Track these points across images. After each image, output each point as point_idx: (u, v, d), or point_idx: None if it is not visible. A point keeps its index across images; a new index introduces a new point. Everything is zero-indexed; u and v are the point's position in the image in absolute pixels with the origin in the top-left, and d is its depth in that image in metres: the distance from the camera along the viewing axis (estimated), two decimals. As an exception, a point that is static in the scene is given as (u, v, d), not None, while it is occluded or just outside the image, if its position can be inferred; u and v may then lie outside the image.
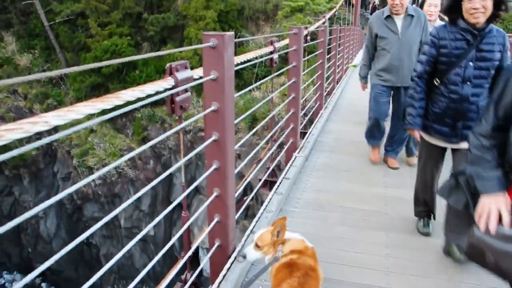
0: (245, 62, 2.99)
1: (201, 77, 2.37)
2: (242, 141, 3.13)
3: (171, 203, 2.53)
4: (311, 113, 6.33)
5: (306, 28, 6.73)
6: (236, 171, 2.71)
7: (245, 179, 3.77)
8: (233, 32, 2.49)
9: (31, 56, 21.39)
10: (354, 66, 13.16)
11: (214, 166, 2.47)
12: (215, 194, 2.52)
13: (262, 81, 4.01)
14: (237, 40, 2.71)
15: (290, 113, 4.61)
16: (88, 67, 1.54)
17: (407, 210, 3.63)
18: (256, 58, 3.61)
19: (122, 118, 17.90)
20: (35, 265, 17.33)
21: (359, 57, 13.93)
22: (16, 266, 18.17)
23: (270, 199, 3.57)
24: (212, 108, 2.38)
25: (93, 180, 16.08)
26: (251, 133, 3.32)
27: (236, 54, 3.05)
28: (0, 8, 23.15)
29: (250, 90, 17.27)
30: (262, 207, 3.38)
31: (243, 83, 16.75)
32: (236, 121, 2.62)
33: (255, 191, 3.56)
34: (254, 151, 3.37)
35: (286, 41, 4.74)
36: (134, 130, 17.59)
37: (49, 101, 19.60)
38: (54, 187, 18.32)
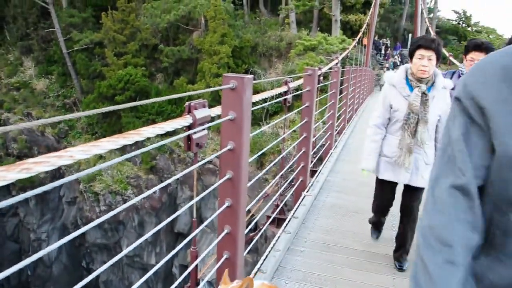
0: (261, 102, 3.09)
1: (219, 116, 2.46)
2: (255, 179, 3.18)
3: (174, 233, 2.60)
4: (321, 152, 6.39)
5: (319, 68, 6.90)
6: (247, 208, 2.76)
7: (253, 216, 3.81)
8: (252, 76, 2.58)
9: (47, 81, 21.88)
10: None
11: (226, 204, 2.51)
12: (226, 231, 2.56)
13: (276, 121, 4.10)
14: (255, 82, 2.81)
15: (301, 152, 4.68)
16: (104, 110, 1.62)
17: (414, 254, 3.62)
18: (272, 98, 3.72)
19: (131, 146, 18.07)
20: (34, 289, 17.19)
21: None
22: (14, 289, 18.05)
23: (278, 237, 3.59)
24: (229, 147, 2.45)
25: (98, 206, 16.13)
26: (263, 171, 3.38)
27: None
28: (23, 35, 23.84)
29: (259, 124, 17.44)
30: (270, 246, 3.41)
31: (253, 117, 16.93)
32: (250, 160, 2.68)
33: (263, 228, 3.59)
34: (266, 189, 3.42)
35: (300, 81, 4.85)
36: (142, 158, 17.72)
37: (61, 126, 19.88)
38: (59, 211, 18.37)
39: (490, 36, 34.60)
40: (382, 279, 3.27)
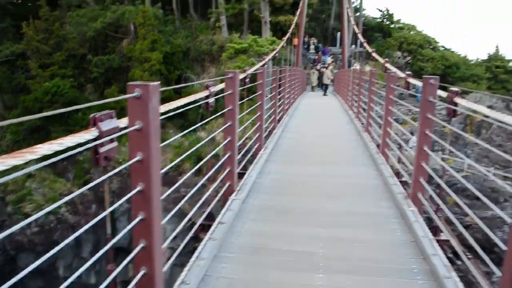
0: (174, 109, 3.01)
1: (125, 127, 2.36)
2: (171, 190, 3.09)
3: (114, 248, 2.46)
4: (250, 153, 6.39)
5: (244, 71, 6.90)
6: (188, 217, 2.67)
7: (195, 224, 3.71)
8: (158, 82, 2.49)
9: (-35, 98, 20.54)
10: None
11: (140, 217, 2.42)
12: (141, 245, 2.46)
13: (196, 126, 4.03)
14: (174, 87, 2.72)
15: (226, 156, 4.64)
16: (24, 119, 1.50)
17: (343, 250, 3.69)
18: (193, 102, 3.65)
19: (63, 162, 17.32)
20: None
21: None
22: None
23: (204, 245, 3.52)
24: (137, 158, 2.36)
25: (29, 227, 15.28)
26: (184, 177, 3.30)
27: (181, 95, 3.04)
28: None
29: (195, 131, 17.28)
30: (195, 254, 3.33)
31: (188, 123, 16.77)
32: (162, 171, 2.60)
33: (188, 237, 3.51)
34: (190, 193, 3.36)
35: (223, 85, 4.81)
36: (75, 173, 17.02)
37: (-16, 144, 18.71)
38: (-15, 236, 17.20)
39: (411, 32, 36.35)
40: (310, 278, 3.29)
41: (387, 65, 7.91)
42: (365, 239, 4.03)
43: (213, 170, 4.39)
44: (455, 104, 3.80)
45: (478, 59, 36.45)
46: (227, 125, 4.66)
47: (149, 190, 2.41)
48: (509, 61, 35.45)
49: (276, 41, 21.98)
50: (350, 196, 5.25)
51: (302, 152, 7.72)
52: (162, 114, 2.66)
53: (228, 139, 4.68)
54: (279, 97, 9.89)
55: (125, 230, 2.38)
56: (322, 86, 23.52)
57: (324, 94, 22.52)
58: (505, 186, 3.03)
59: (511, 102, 32.04)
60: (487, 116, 3.03)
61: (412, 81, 5.67)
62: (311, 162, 6.95)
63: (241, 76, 6.03)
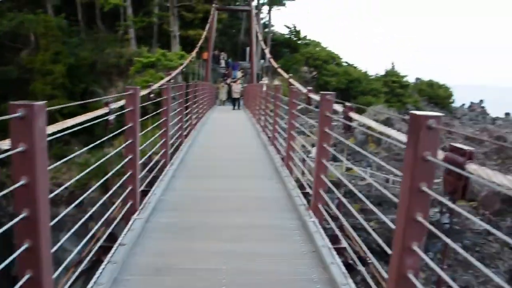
0: (64, 129, 2.89)
1: (7, 150, 2.22)
2: (61, 215, 2.94)
3: (12, 277, 2.27)
4: (155, 170, 6.28)
5: (149, 86, 6.80)
6: (52, 250, 2.53)
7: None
8: (44, 102, 2.38)
9: None
10: None
11: (25, 246, 2.28)
12: (27, 276, 2.31)
13: (97, 142, 3.90)
14: (74, 103, 2.59)
15: (127, 174, 4.52)
16: None
17: (246, 265, 3.74)
18: (91, 120, 3.53)
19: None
20: None
21: None
22: None
23: (103, 269, 3.39)
24: (22, 182, 2.23)
25: None
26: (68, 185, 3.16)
27: (88, 110, 2.93)
28: None
29: (102, 147, 16.61)
30: (92, 280, 3.19)
31: (94, 139, 16.06)
32: (51, 195, 2.47)
33: (86, 261, 3.36)
34: (87, 215, 3.23)
35: (123, 102, 4.70)
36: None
37: None
38: None
39: (317, 48, 38.13)
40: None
41: (291, 80, 8.22)
42: (268, 252, 4.13)
43: (113, 189, 4.24)
44: (350, 118, 4.04)
45: (377, 74, 39.09)
46: (127, 142, 4.55)
47: (36, 216, 2.28)
48: (403, 76, 38.45)
49: (185, 56, 21.91)
50: (254, 210, 5.34)
51: (208, 167, 7.75)
52: (51, 134, 2.54)
53: (129, 157, 4.57)
54: (186, 112, 9.86)
55: (7, 261, 2.22)
56: (232, 100, 23.77)
57: (234, 108, 22.70)
58: (387, 193, 3.26)
59: (406, 114, 34.60)
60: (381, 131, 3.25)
61: (313, 96, 5.93)
62: (217, 177, 6.99)
63: (145, 92, 5.95)
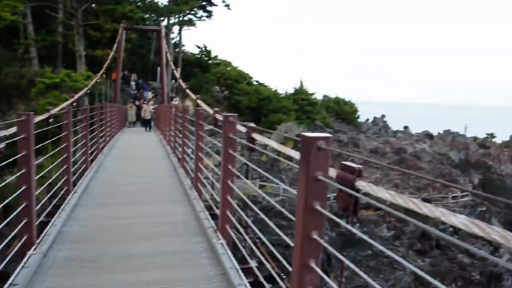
0: None
1: None
2: None
3: None
4: (56, 199, 5.92)
5: (47, 110, 6.45)
6: None
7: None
8: None
9: None
10: None
11: None
12: None
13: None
14: None
15: (21, 207, 4.22)
16: None
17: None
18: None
19: None
20: None
21: None
22: None
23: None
24: None
25: None
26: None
27: None
28: None
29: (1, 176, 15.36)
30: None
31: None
32: None
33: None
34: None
35: (15, 129, 4.41)
36: None
37: None
38: None
39: (228, 68, 38.69)
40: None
41: (198, 101, 8.22)
42: (175, 278, 4.04)
43: (5, 222, 3.92)
44: (253, 139, 4.11)
45: (287, 92, 40.44)
46: (20, 172, 4.25)
47: None
48: (311, 94, 40.13)
49: (92, 76, 21.09)
50: (162, 236, 5.21)
51: (114, 193, 7.43)
52: None
53: (23, 187, 4.27)
54: (92, 135, 9.46)
55: None
56: (143, 122, 23.22)
57: (146, 130, 22.20)
58: (284, 211, 3.36)
59: (315, 130, 36.02)
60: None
61: (219, 117, 5.97)
62: (124, 203, 6.73)
63: (42, 117, 5.64)
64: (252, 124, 4.22)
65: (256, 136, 4.09)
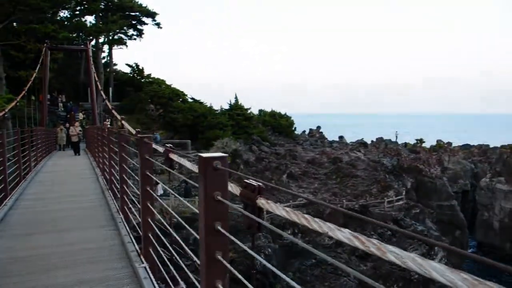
0: None
1: None
2: None
3: None
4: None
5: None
6: None
7: None
8: None
9: None
10: None
11: None
12: None
13: None
14: None
15: None
16: None
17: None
18: None
19: None
20: None
21: None
22: None
23: None
24: None
25: None
26: None
27: None
28: None
29: None
30: None
31: None
32: None
33: None
34: None
35: None
36: None
37: None
38: None
39: (162, 86, 38.24)
40: None
41: (123, 122, 8.03)
42: (96, 308, 3.88)
43: None
44: (171, 159, 4.06)
45: (222, 108, 40.51)
46: None
47: None
48: (247, 109, 40.50)
49: (13, 99, 20.09)
50: (83, 263, 4.99)
51: (35, 222, 7.03)
52: None
53: None
54: (10, 162, 8.97)
55: None
56: (71, 144, 21.93)
57: (75, 154, 20.94)
58: (190, 229, 3.33)
59: (252, 145, 36.35)
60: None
61: (133, 138, 5.86)
62: (44, 232, 6.36)
63: None
64: (170, 145, 4.18)
65: (173, 156, 4.04)
